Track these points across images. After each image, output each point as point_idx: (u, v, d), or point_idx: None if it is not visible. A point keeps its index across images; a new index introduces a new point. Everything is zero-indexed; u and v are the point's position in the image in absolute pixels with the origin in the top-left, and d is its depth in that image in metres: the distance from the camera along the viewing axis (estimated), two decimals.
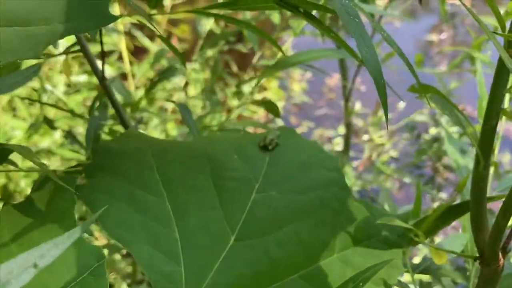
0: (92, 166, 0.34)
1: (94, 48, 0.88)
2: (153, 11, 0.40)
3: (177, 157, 0.37)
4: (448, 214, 0.37)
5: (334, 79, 2.33)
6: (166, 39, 0.38)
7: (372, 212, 0.38)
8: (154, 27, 0.32)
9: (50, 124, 0.65)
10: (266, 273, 0.33)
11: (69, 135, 0.62)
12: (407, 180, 1.34)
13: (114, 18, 0.26)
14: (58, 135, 1.34)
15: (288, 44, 0.83)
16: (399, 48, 0.26)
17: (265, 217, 0.35)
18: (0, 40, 0.25)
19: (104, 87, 0.45)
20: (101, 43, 0.44)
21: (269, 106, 0.54)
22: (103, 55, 0.44)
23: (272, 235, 0.34)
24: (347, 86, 1.23)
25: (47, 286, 0.26)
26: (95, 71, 0.46)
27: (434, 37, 2.73)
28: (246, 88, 1.25)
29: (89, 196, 0.32)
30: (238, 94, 0.83)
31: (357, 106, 1.46)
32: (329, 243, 0.35)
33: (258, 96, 1.27)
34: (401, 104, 1.86)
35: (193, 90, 1.31)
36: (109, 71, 1.03)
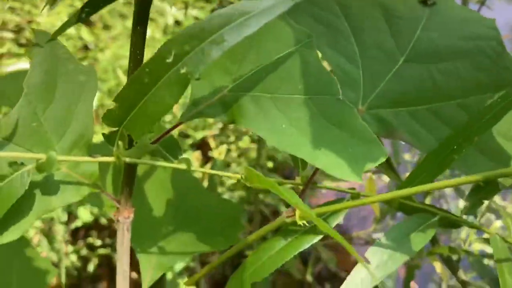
0: None
1: None
2: None
3: None
4: None
5: None
6: None
7: None
8: None
9: None
10: (428, 93, 0.37)
11: None
12: None
13: None
14: None
15: None
16: None
17: (429, 50, 0.39)
18: None
19: None
20: None
21: None
22: None
23: (435, 65, 0.38)
24: None
25: (269, 52, 0.31)
26: None
27: None
28: None
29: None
30: None
31: None
32: (483, 83, 0.38)
33: None
34: None
35: None
36: None
